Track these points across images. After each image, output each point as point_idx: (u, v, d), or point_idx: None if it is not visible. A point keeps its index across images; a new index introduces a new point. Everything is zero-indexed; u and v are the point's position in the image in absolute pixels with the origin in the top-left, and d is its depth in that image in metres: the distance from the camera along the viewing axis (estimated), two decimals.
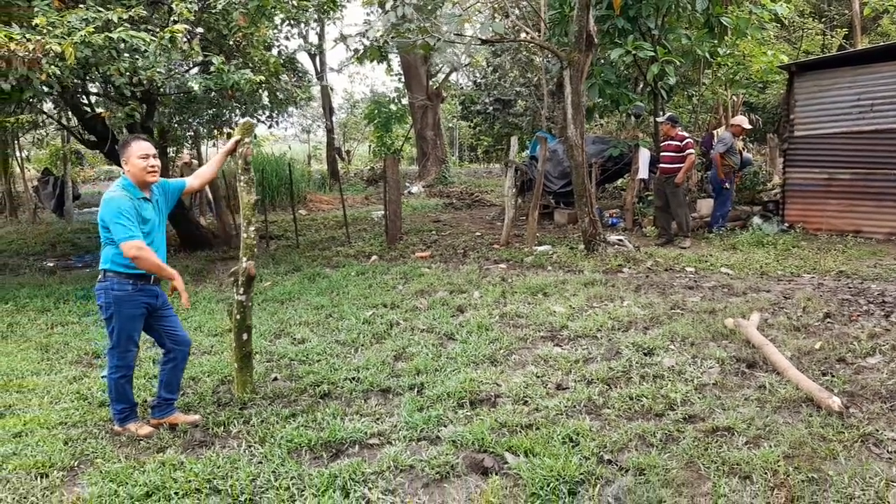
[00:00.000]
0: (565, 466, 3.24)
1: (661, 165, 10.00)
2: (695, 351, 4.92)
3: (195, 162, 14.23)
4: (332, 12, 10.87)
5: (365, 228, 12.67)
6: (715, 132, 13.21)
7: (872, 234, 9.46)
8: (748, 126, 10.76)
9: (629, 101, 11.11)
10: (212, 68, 8.10)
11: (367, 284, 7.74)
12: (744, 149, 12.03)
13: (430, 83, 21.51)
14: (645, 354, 4.90)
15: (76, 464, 3.63)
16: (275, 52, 11.58)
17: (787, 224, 10.19)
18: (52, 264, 10.82)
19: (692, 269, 7.89)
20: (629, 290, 6.87)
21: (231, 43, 8.98)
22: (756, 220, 10.32)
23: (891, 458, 3.30)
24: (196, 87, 7.90)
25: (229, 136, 11.83)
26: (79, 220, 15.95)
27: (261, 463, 3.50)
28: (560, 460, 3.30)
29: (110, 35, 6.83)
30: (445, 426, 3.85)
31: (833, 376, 4.31)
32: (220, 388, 4.69)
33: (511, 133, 20.46)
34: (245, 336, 4.37)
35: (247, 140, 4.31)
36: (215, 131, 12.84)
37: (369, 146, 29.22)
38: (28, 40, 6.54)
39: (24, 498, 3.26)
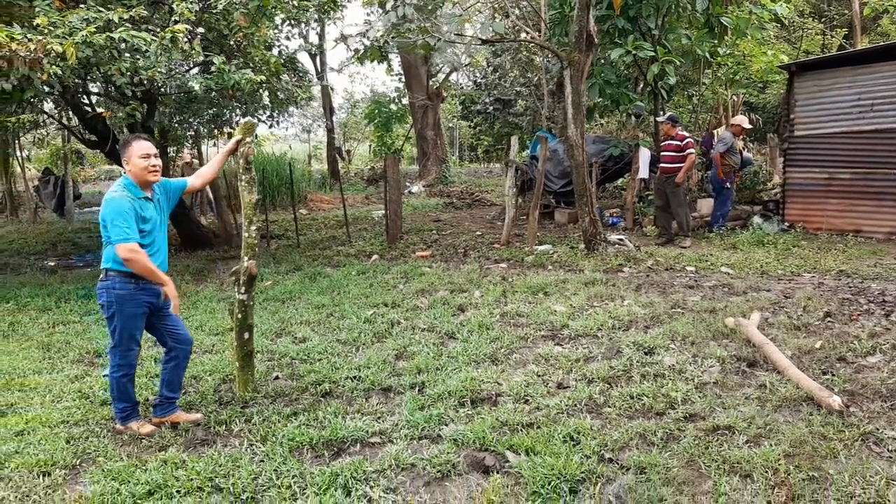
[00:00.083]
0: (566, 465, 3.25)
1: (662, 165, 10.01)
2: (695, 350, 4.92)
3: (196, 162, 14.23)
4: (332, 12, 10.88)
5: (365, 228, 12.68)
6: (715, 132, 13.21)
7: (873, 234, 9.46)
8: (748, 126, 10.77)
9: (629, 100, 11.11)
10: (213, 68, 8.11)
11: (367, 284, 7.75)
12: (744, 148, 12.03)
13: (431, 83, 21.52)
14: (646, 353, 4.91)
15: (78, 462, 3.64)
16: (275, 52, 11.59)
17: (787, 223, 10.20)
18: (52, 263, 10.84)
19: (692, 268, 7.90)
20: (630, 289, 6.88)
21: (232, 43, 8.99)
22: (756, 219, 10.33)
23: (891, 457, 3.31)
24: (197, 87, 7.91)
25: (230, 135, 11.87)
26: (79, 220, 15.96)
27: (262, 461, 3.51)
28: (561, 459, 3.31)
29: (111, 35, 6.84)
30: (447, 425, 3.86)
31: (833, 375, 4.32)
32: (221, 386, 4.70)
33: (511, 133, 20.46)
34: (246, 335, 4.38)
35: (248, 140, 4.32)
36: (216, 131, 12.85)
37: (369, 146, 29.22)
38: (29, 40, 6.55)
39: (27, 496, 3.27)
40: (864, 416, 3.72)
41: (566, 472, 3.20)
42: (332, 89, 23.38)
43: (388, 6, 9.63)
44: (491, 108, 23.44)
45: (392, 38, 9.85)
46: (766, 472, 3.18)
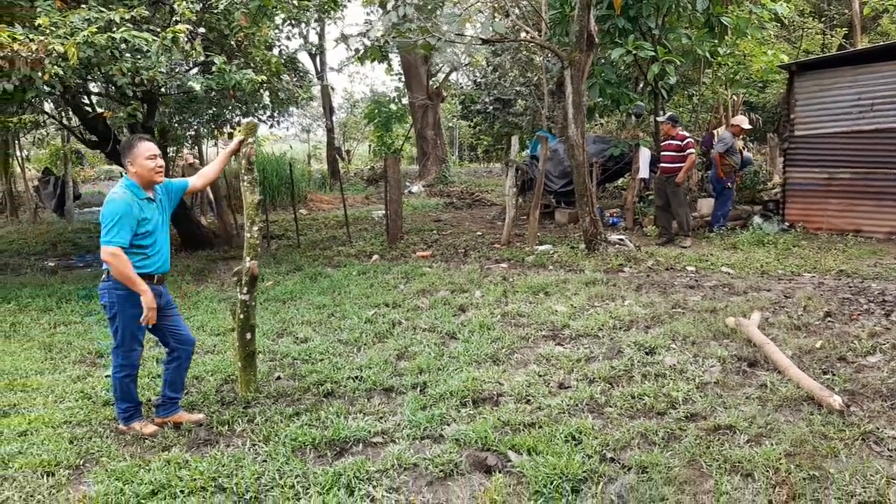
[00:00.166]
0: (568, 465, 3.27)
1: (662, 165, 10.02)
2: (696, 350, 4.94)
3: (197, 162, 14.24)
4: (332, 12, 10.89)
5: (366, 228, 12.69)
6: (715, 132, 13.22)
7: (873, 234, 9.48)
8: (748, 126, 10.78)
9: (630, 100, 11.12)
10: (214, 68, 8.12)
11: (368, 284, 7.76)
12: (744, 148, 12.04)
13: (431, 83, 21.53)
14: (646, 353, 4.92)
15: (81, 462, 3.66)
16: (275, 51, 11.60)
17: (787, 223, 10.21)
18: (53, 264, 10.84)
19: (693, 268, 7.91)
20: (630, 289, 6.89)
21: (232, 43, 9.00)
22: (756, 219, 10.34)
23: (891, 456, 3.32)
24: (198, 88, 7.92)
25: (230, 135, 11.89)
26: (79, 220, 15.96)
27: (265, 461, 3.52)
28: (563, 458, 3.32)
29: (113, 35, 6.85)
30: (448, 425, 3.87)
31: (834, 375, 4.33)
32: (223, 387, 4.71)
33: (511, 132, 20.46)
34: (248, 335, 4.39)
35: (250, 140, 4.33)
36: (216, 131, 12.86)
37: (369, 146, 29.24)
38: (31, 41, 6.56)
39: (31, 496, 3.28)
40: (864, 416, 3.74)
41: (568, 472, 3.21)
42: (332, 89, 23.38)
43: (389, 6, 9.62)
44: (491, 107, 23.45)
45: (392, 37, 9.86)
46: (767, 471, 3.20)
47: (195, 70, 10.06)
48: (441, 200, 16.82)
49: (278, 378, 4.84)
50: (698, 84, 13.86)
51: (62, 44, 6.56)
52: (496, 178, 22.27)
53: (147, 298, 3.77)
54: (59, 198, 16.52)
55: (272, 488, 3.27)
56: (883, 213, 9.46)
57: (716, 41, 11.06)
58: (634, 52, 10.13)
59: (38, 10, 7.12)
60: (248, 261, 4.31)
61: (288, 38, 14.99)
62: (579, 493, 3.12)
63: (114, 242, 3.70)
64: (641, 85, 11.94)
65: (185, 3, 7.56)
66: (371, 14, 22.43)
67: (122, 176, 4.22)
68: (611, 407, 4.04)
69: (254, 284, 4.38)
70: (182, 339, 4.12)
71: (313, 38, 21.62)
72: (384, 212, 11.59)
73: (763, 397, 4.04)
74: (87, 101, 10.61)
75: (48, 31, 6.75)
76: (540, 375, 4.58)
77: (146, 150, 3.87)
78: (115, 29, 7.05)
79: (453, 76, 25.82)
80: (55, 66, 6.64)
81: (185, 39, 7.50)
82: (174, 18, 7.88)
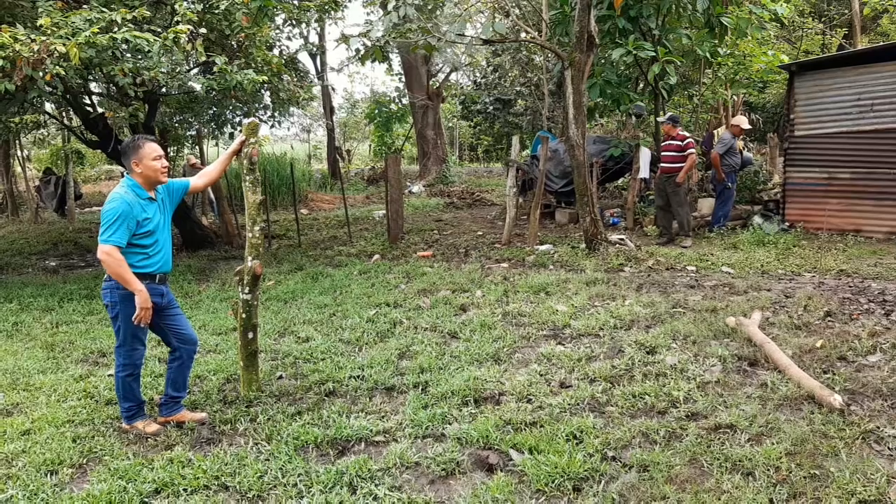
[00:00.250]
0: (569, 463, 3.28)
1: (662, 165, 10.03)
2: (697, 349, 4.95)
3: (198, 162, 14.26)
4: (333, 12, 10.90)
5: (366, 228, 12.70)
6: (715, 132, 13.24)
7: (873, 233, 9.49)
8: (747, 126, 10.79)
9: (630, 100, 11.13)
10: (215, 69, 8.13)
11: (369, 283, 7.77)
12: (744, 148, 12.05)
13: (431, 83, 21.53)
14: (647, 353, 4.93)
15: (85, 461, 3.67)
16: (276, 52, 11.61)
17: (787, 223, 10.22)
18: (54, 264, 10.86)
19: (693, 268, 7.93)
20: (631, 288, 6.90)
21: (234, 43, 9.01)
22: (757, 219, 10.35)
23: (892, 455, 3.33)
24: (199, 88, 7.94)
25: (231, 136, 11.92)
26: (80, 220, 15.98)
27: (268, 460, 3.53)
28: (564, 457, 3.34)
29: (114, 36, 6.87)
30: (450, 424, 3.89)
31: (834, 374, 4.34)
32: (225, 386, 4.73)
33: (511, 132, 20.49)
34: (251, 335, 4.41)
35: (252, 140, 4.34)
36: (216, 131, 12.88)
37: (370, 146, 29.24)
38: (33, 41, 6.58)
39: (35, 494, 3.30)
40: (864, 415, 3.75)
41: (569, 471, 3.23)
42: (332, 89, 23.39)
43: (390, 6, 9.63)
44: (491, 107, 23.48)
45: (393, 38, 9.88)
46: (768, 470, 3.21)
47: (195, 70, 10.08)
48: (441, 200, 16.84)
49: (280, 377, 4.85)
50: (698, 84, 13.88)
51: (64, 44, 6.58)
52: (496, 177, 22.28)
53: (141, 297, 3.77)
54: (61, 197, 16.54)
55: (275, 487, 3.29)
56: (883, 213, 9.47)
57: (716, 41, 11.07)
58: (635, 52, 10.14)
59: (40, 10, 7.14)
60: (249, 260, 4.33)
61: (289, 38, 15.05)
62: (581, 492, 3.14)
63: (111, 241, 3.72)
64: (642, 85, 11.95)
65: (185, 3, 7.57)
66: (371, 14, 22.43)
67: (122, 176, 4.23)
68: (612, 406, 4.05)
69: (256, 284, 4.39)
70: (184, 339, 4.14)
71: (314, 38, 21.65)
72: (385, 211, 11.61)
73: (764, 396, 4.06)
74: (88, 102, 10.63)
75: (50, 32, 6.77)
76: (541, 375, 4.60)
77: (152, 151, 3.90)
78: (116, 29, 7.07)
79: (454, 76, 25.83)
80: (57, 67, 6.66)
81: (187, 40, 7.51)
82: (175, 19, 7.90)
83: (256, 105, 10.92)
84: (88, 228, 14.23)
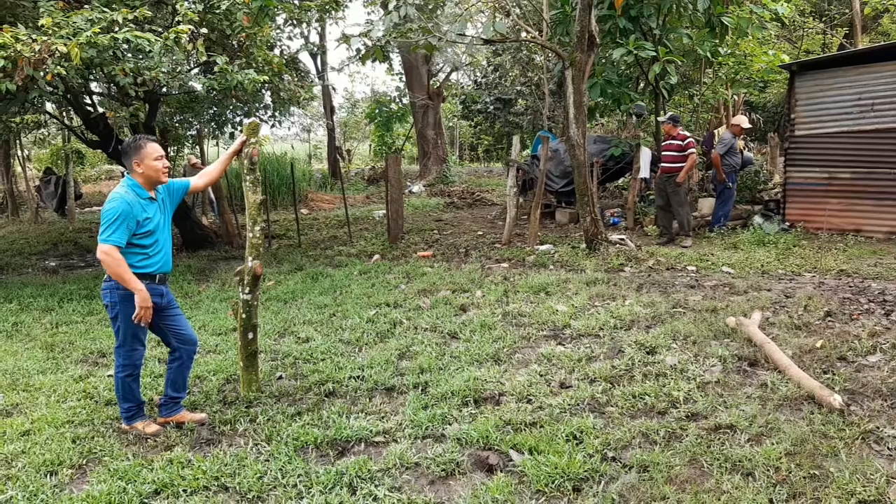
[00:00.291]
0: (569, 464, 3.28)
1: (663, 165, 10.03)
2: (697, 349, 4.95)
3: (199, 162, 14.26)
4: (333, 12, 10.90)
5: (366, 228, 12.70)
6: (716, 131, 13.23)
7: (873, 233, 9.48)
8: (747, 125, 10.78)
9: (630, 100, 11.13)
10: (216, 68, 8.13)
11: (369, 283, 7.77)
12: (745, 148, 12.05)
13: (431, 82, 21.53)
14: (647, 353, 4.93)
15: (84, 462, 3.67)
16: (277, 51, 11.61)
17: (787, 223, 10.22)
18: (54, 264, 10.87)
19: (694, 268, 7.92)
20: (631, 288, 6.90)
21: (234, 43, 9.01)
22: (757, 219, 10.34)
23: (891, 455, 3.33)
24: (199, 88, 7.95)
25: (231, 136, 11.91)
26: (81, 220, 15.99)
27: (268, 461, 3.53)
28: (564, 457, 3.34)
29: (115, 36, 6.87)
30: (450, 424, 3.89)
31: (834, 374, 4.34)
32: (225, 386, 4.73)
33: (512, 132, 20.48)
34: (251, 335, 4.41)
35: (253, 140, 4.34)
36: (217, 131, 12.88)
37: (370, 145, 29.25)
38: (34, 41, 6.58)
39: (35, 495, 3.30)
40: (864, 415, 3.74)
41: (569, 471, 3.23)
42: (333, 89, 23.38)
43: (391, 6, 9.63)
44: (491, 107, 23.48)
45: (394, 38, 9.87)
46: (768, 470, 3.21)
47: (196, 70, 10.08)
48: (442, 200, 16.84)
49: (280, 378, 4.85)
50: (699, 84, 13.87)
51: (65, 44, 6.59)
52: (497, 177, 22.28)
53: (141, 296, 3.77)
54: (61, 197, 16.55)
55: (275, 487, 3.29)
56: (883, 213, 9.47)
57: (717, 41, 11.06)
58: (635, 51, 10.13)
59: (41, 10, 7.14)
60: (250, 260, 4.33)
61: (289, 38, 15.02)
62: (580, 492, 3.14)
63: (110, 241, 3.72)
64: (642, 85, 11.95)
65: (186, 3, 7.57)
66: (372, 14, 22.43)
67: (122, 175, 4.23)
68: (612, 406, 4.05)
69: (256, 284, 4.39)
70: (184, 339, 4.13)
71: (314, 38, 21.65)
72: (385, 211, 11.61)
73: (763, 397, 4.05)
74: (88, 101, 10.63)
75: (51, 32, 6.77)
76: (541, 375, 4.60)
77: (154, 152, 3.90)
78: (117, 29, 7.07)
79: (454, 76, 25.81)
80: (58, 66, 6.66)
81: (188, 40, 7.52)
82: (176, 19, 7.90)
83: (257, 105, 10.91)
84: (88, 228, 14.23)
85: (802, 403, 3.92)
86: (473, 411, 4.05)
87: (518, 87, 22.05)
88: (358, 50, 11.64)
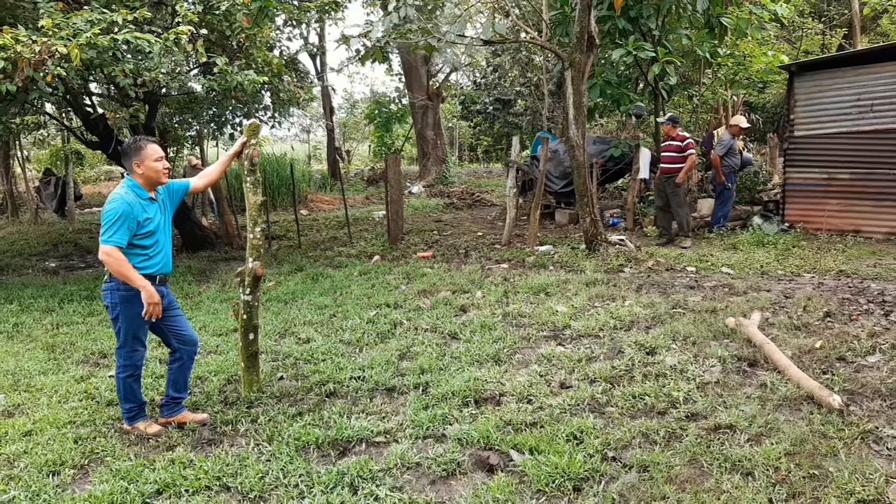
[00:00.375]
0: (570, 463, 3.29)
1: (662, 165, 10.05)
2: (696, 350, 4.96)
3: (199, 163, 14.27)
4: (333, 13, 10.91)
5: (366, 228, 12.71)
6: (715, 132, 13.25)
7: (872, 234, 9.50)
8: (746, 124, 10.79)
9: (630, 101, 11.15)
10: (216, 69, 8.15)
11: (369, 284, 7.78)
12: (744, 149, 12.07)
13: (431, 83, 21.55)
14: (647, 353, 4.94)
15: (86, 462, 3.68)
16: (276, 52, 11.62)
17: (787, 224, 10.23)
18: (54, 265, 10.87)
19: (693, 268, 7.94)
20: (631, 289, 6.91)
21: (234, 44, 9.03)
22: (756, 219, 10.36)
23: (890, 455, 3.35)
24: (199, 89, 7.96)
25: (231, 136, 11.93)
26: (80, 221, 15.99)
27: (269, 461, 3.55)
28: (565, 457, 3.35)
29: (115, 37, 6.88)
30: (451, 424, 3.90)
31: (833, 375, 4.36)
32: (226, 387, 4.74)
33: (511, 133, 20.50)
34: (251, 336, 4.42)
35: (253, 142, 4.35)
36: (216, 132, 12.89)
37: (369, 146, 29.26)
38: (34, 42, 6.59)
39: (37, 495, 3.31)
40: (863, 415, 3.76)
41: (570, 471, 3.24)
42: (332, 90, 23.40)
43: (390, 7, 9.65)
44: (491, 108, 23.49)
45: (393, 38, 9.89)
46: (768, 470, 3.22)
47: (196, 71, 10.09)
48: (441, 201, 16.85)
49: (281, 378, 4.86)
50: (698, 85, 13.89)
51: (65, 45, 6.60)
52: (496, 178, 22.30)
53: (148, 293, 3.77)
54: (60, 198, 16.55)
55: (276, 487, 3.30)
56: (882, 214, 9.49)
57: (716, 42, 11.08)
58: (635, 52, 10.15)
59: (41, 11, 7.15)
60: (250, 261, 4.34)
61: (289, 38, 15.02)
62: (581, 492, 3.15)
63: (111, 242, 3.73)
64: (642, 85, 11.96)
65: (186, 4, 7.59)
66: (371, 15, 22.46)
67: (122, 176, 4.24)
68: (612, 406, 4.06)
69: (257, 285, 4.40)
70: (185, 340, 4.14)
71: (314, 38, 21.67)
72: (385, 212, 11.62)
73: (763, 397, 4.07)
74: (88, 102, 10.64)
75: (51, 33, 6.78)
76: (541, 375, 4.61)
77: (154, 153, 3.91)
78: (117, 30, 7.08)
79: (453, 76, 25.85)
80: (58, 68, 6.67)
81: (187, 41, 7.53)
82: (176, 20, 7.91)
83: (257, 106, 10.93)
84: (88, 229, 14.23)
85: (802, 403, 3.94)
86: (474, 411, 4.06)
87: (517, 88, 22.07)
88: (357, 51, 11.67)
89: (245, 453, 3.63)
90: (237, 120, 11.55)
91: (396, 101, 23.93)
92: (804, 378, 4.16)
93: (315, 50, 20.04)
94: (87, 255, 11.54)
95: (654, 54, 10.31)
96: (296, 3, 9.90)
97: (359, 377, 4.72)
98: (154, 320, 3.88)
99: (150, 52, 7.26)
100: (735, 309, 5.93)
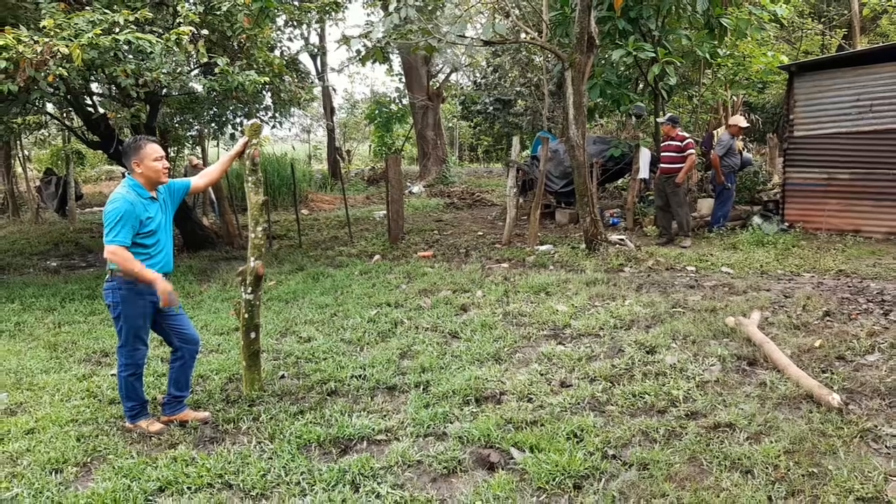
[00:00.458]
0: (570, 461, 3.31)
1: (662, 165, 10.06)
2: (696, 349, 4.98)
3: (200, 163, 14.29)
4: (333, 13, 10.93)
5: (367, 228, 12.73)
6: (715, 132, 13.26)
7: (871, 234, 9.52)
8: (745, 124, 10.81)
9: (630, 101, 11.17)
10: (217, 70, 8.16)
11: (370, 284, 7.80)
12: (744, 149, 12.09)
13: (431, 83, 21.56)
14: (647, 352, 4.96)
15: (89, 460, 3.70)
16: (277, 53, 11.63)
17: (786, 223, 10.25)
18: (55, 264, 10.89)
19: (693, 268, 7.96)
20: (631, 289, 6.93)
21: (235, 44, 9.05)
22: (756, 219, 10.38)
23: (889, 453, 3.36)
24: (200, 89, 7.98)
25: (232, 136, 11.94)
26: (81, 220, 16.01)
27: (271, 458, 3.56)
28: (565, 455, 3.37)
29: (116, 37, 6.90)
30: (452, 422, 3.91)
31: (832, 373, 4.37)
32: (228, 385, 4.76)
33: (511, 133, 20.52)
34: (253, 334, 4.44)
35: (255, 142, 4.37)
36: (217, 132, 12.90)
37: (370, 146, 29.27)
38: (36, 42, 6.60)
39: (40, 493, 3.32)
40: (862, 414, 3.78)
41: (570, 469, 3.26)
42: (333, 90, 23.41)
43: (391, 7, 9.67)
44: (491, 108, 23.51)
45: (394, 39, 9.90)
46: (767, 468, 3.24)
47: (197, 71, 10.11)
48: (442, 200, 16.87)
49: (282, 377, 4.88)
50: (698, 85, 13.91)
51: (66, 45, 6.61)
52: (496, 178, 22.31)
53: (159, 285, 3.80)
54: (61, 198, 16.57)
55: (278, 485, 3.31)
56: (882, 214, 9.51)
57: (715, 42, 11.10)
58: (635, 53, 10.17)
59: (43, 11, 7.17)
60: (252, 260, 4.36)
61: (290, 39, 15.02)
62: (581, 490, 3.17)
63: (115, 241, 3.75)
64: (641, 86, 11.98)
65: (187, 4, 7.60)
66: (372, 15, 22.50)
67: (123, 176, 4.26)
68: (612, 405, 4.08)
69: (258, 284, 4.42)
70: (186, 339, 4.16)
71: (314, 39, 21.69)
72: (385, 212, 11.64)
73: (762, 395, 4.08)
74: (90, 102, 10.66)
75: (53, 33, 6.80)
76: (542, 374, 4.63)
77: (153, 152, 3.93)
78: (118, 31, 7.10)
79: (454, 77, 25.87)
80: (59, 68, 6.69)
81: (189, 41, 7.54)
82: (177, 20, 7.93)
83: (257, 106, 10.94)
84: (89, 229, 14.26)
85: (801, 402, 3.95)
86: (474, 410, 4.08)
87: (517, 88, 22.09)
88: (358, 51, 11.68)
89: (247, 451, 3.65)
90: (238, 120, 11.57)
91: (397, 101, 23.95)
92: (803, 377, 4.18)
93: (316, 50, 20.05)
94: (88, 255, 11.56)
95: (653, 55, 10.32)
96: (296, 3, 9.92)
97: (360, 376, 4.74)
98: (172, 307, 3.91)
99: (151, 53, 7.28)
100: (735, 308, 5.95)
